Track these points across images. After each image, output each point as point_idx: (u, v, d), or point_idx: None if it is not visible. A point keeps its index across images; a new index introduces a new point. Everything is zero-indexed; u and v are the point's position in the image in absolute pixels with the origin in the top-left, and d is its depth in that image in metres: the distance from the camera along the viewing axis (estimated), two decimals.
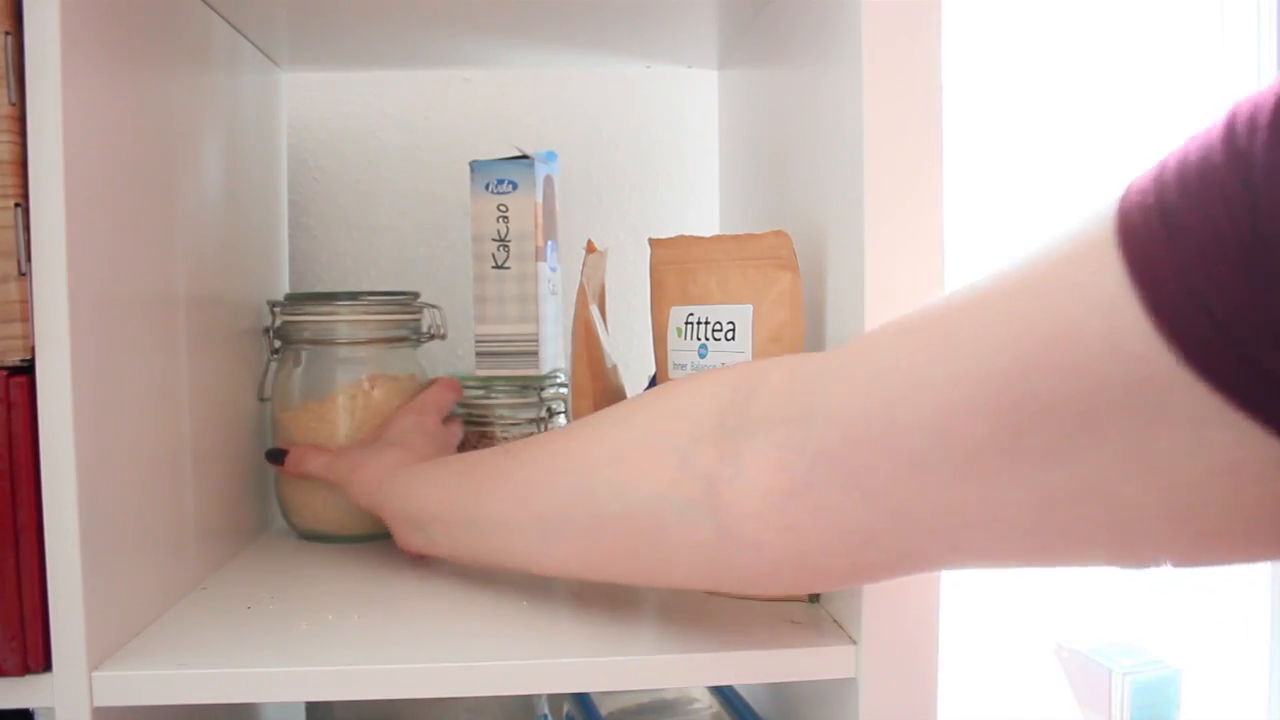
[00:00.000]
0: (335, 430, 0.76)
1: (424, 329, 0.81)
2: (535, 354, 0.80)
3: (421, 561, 0.69)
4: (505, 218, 0.80)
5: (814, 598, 0.61)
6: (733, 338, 0.61)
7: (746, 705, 0.72)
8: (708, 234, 0.64)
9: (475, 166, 0.80)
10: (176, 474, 0.63)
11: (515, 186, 0.79)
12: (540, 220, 0.80)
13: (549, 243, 0.83)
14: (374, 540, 0.76)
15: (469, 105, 0.99)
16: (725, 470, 0.45)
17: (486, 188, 0.80)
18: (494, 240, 0.77)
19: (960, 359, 0.35)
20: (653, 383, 0.70)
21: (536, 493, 0.53)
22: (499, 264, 0.79)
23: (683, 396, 0.49)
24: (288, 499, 0.78)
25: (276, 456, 0.76)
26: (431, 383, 0.79)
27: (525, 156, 0.80)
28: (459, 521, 0.60)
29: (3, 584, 0.49)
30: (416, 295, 0.80)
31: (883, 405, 0.38)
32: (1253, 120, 0.28)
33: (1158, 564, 0.36)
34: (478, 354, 0.81)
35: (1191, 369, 0.29)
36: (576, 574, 0.55)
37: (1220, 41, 1.05)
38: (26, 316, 0.49)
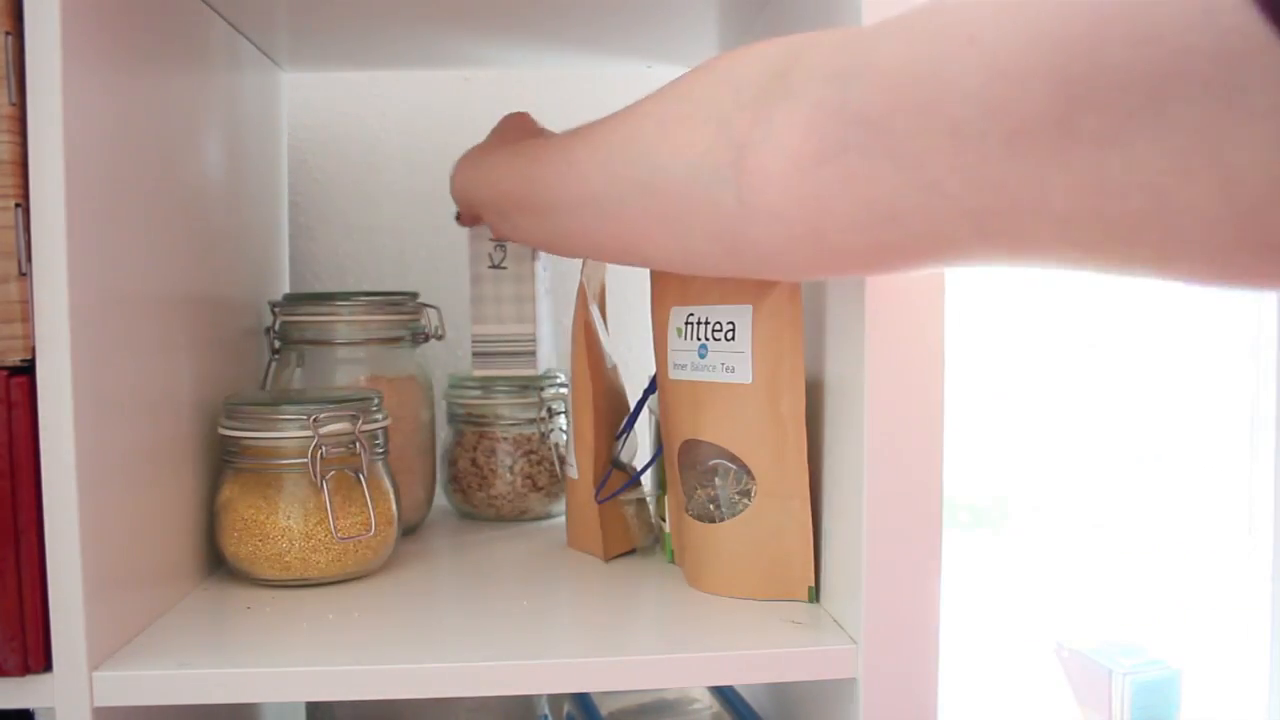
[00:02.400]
0: None
1: (423, 329, 0.81)
2: (533, 354, 0.80)
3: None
4: None
5: (814, 597, 0.61)
6: (733, 338, 0.61)
7: (746, 705, 0.72)
8: None
9: None
10: (177, 474, 0.63)
11: None
12: None
13: None
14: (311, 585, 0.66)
15: (469, 105, 0.99)
16: (756, 134, 0.41)
17: None
18: (491, 240, 0.77)
19: (1021, 18, 0.31)
20: (653, 383, 0.70)
21: (593, 172, 0.52)
22: (496, 264, 0.78)
23: (731, 64, 0.46)
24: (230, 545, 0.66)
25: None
26: None
27: None
28: (531, 207, 0.59)
29: (3, 584, 0.49)
30: (415, 295, 0.80)
31: (930, 66, 0.34)
32: None
33: (1198, 280, 0.32)
34: (474, 354, 0.80)
35: None
36: (620, 256, 0.55)
37: None
38: (26, 316, 0.49)
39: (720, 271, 0.50)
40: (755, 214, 0.42)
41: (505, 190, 0.62)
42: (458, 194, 0.71)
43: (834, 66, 0.39)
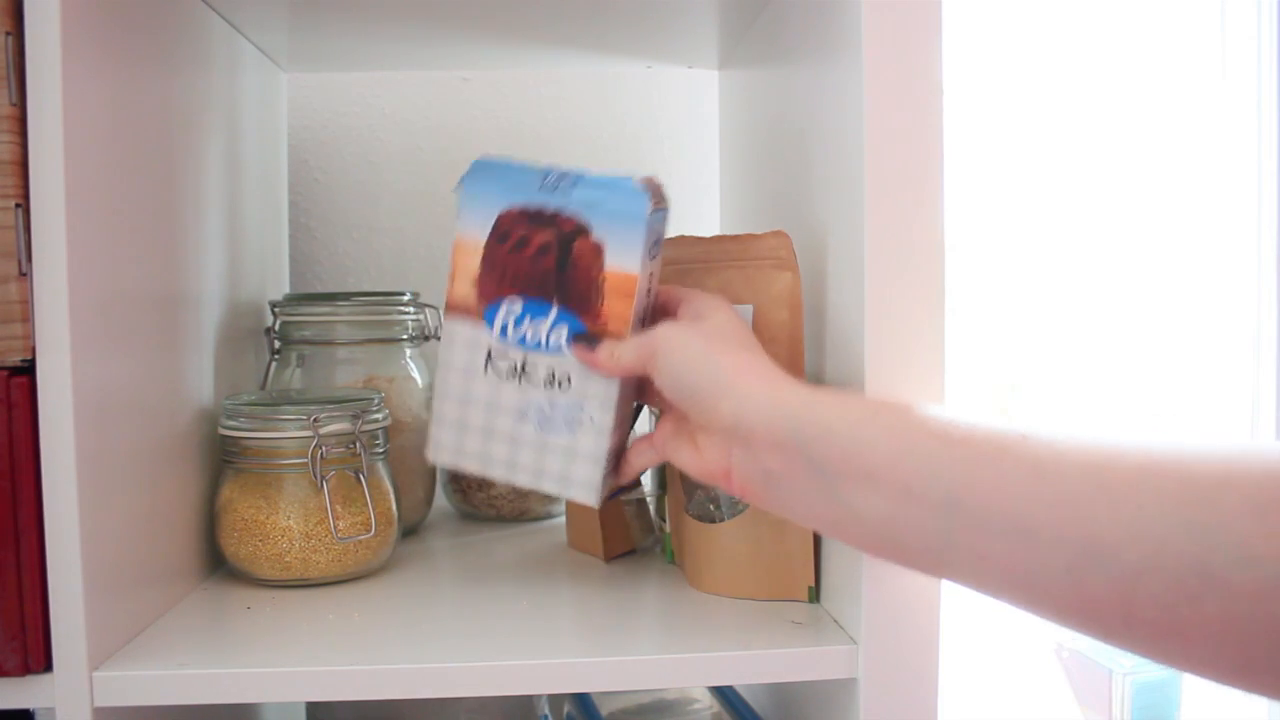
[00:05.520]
0: None
1: (423, 329, 0.81)
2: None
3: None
4: None
5: (814, 597, 0.61)
6: None
7: (746, 705, 0.72)
8: (708, 234, 0.64)
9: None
10: (177, 474, 0.63)
11: None
12: None
13: None
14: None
15: (469, 105, 0.99)
16: None
17: None
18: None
19: None
20: None
21: (1090, 510, 0.38)
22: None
23: None
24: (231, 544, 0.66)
25: (588, 340, 0.55)
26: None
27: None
28: (918, 494, 0.42)
29: (3, 584, 0.49)
30: (416, 295, 0.80)
31: None
32: None
33: None
34: None
35: None
36: (1103, 629, 0.39)
37: (1220, 42, 1.05)
38: (26, 316, 0.49)
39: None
40: None
41: (864, 454, 0.44)
42: (754, 423, 0.48)
43: None
